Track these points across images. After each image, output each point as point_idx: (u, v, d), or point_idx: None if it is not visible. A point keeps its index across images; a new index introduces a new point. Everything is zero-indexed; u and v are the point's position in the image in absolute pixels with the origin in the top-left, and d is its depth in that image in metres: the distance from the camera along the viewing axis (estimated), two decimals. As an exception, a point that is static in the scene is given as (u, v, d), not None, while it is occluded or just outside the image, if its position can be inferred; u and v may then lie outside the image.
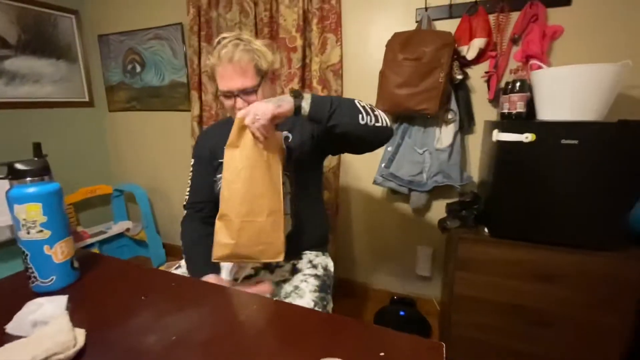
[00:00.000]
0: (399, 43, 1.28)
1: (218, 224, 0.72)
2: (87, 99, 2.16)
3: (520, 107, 1.12)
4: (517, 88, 1.11)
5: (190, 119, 1.86)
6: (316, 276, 0.87)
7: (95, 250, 2.12)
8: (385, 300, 1.66)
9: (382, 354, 0.44)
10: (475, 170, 1.44)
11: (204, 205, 0.95)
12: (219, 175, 0.91)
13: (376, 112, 0.77)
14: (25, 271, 0.59)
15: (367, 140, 0.79)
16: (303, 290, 0.81)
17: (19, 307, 0.53)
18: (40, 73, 1.89)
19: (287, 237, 0.77)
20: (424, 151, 1.41)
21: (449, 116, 1.34)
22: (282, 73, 1.54)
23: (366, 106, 0.76)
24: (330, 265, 0.97)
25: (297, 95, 0.71)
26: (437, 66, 1.25)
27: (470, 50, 1.29)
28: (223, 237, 0.71)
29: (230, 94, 0.81)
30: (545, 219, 1.05)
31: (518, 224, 1.09)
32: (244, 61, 0.78)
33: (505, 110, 1.15)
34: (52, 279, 0.60)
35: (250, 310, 0.55)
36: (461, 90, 1.34)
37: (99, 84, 2.21)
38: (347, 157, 1.61)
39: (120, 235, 2.30)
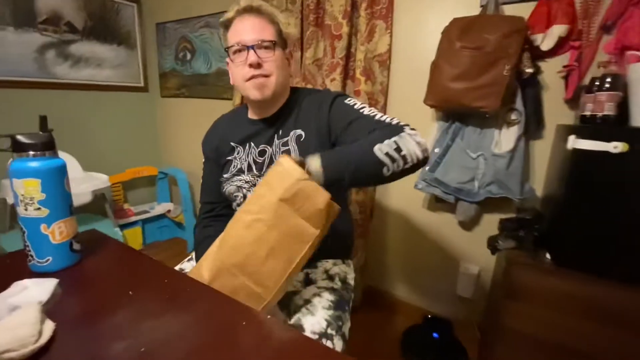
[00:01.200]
0: (458, 29, 1.11)
1: (213, 247, 0.62)
2: (142, 84, 2.27)
3: (608, 109, 0.89)
4: (608, 85, 0.89)
5: (232, 107, 1.86)
6: (332, 290, 0.76)
7: (138, 228, 2.23)
8: (417, 317, 1.49)
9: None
10: (539, 182, 1.21)
11: (214, 205, 0.90)
12: (225, 176, 0.85)
13: (404, 151, 0.60)
14: (24, 249, 0.57)
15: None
16: (315, 307, 0.70)
17: (5, 287, 0.51)
18: (102, 58, 2.01)
19: None
20: (477, 156, 1.22)
21: (513, 117, 1.14)
22: (324, 62, 1.45)
23: (390, 149, 0.60)
24: (351, 277, 0.86)
25: (300, 162, 0.57)
26: (502, 57, 1.06)
27: (546, 39, 1.07)
28: (204, 265, 0.61)
29: (243, 46, 0.71)
30: (627, 251, 0.83)
31: (590, 252, 0.88)
32: (264, 12, 0.71)
33: (588, 112, 0.93)
34: (49, 259, 0.57)
35: (238, 326, 0.46)
36: (530, 86, 1.13)
37: (154, 70, 2.31)
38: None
39: (162, 216, 2.40)
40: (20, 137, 0.53)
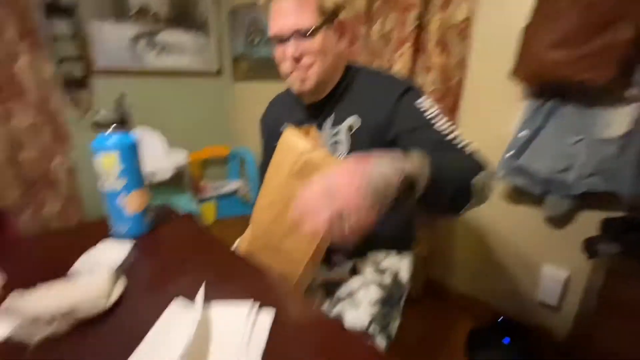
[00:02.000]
0: (562, -17, 0.91)
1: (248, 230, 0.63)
2: (216, 69, 2.41)
3: None
4: None
5: (296, 89, 1.86)
6: (380, 285, 0.70)
7: (213, 203, 2.43)
8: (487, 318, 1.35)
9: None
10: (664, 175, 0.96)
11: None
12: None
13: (486, 192, 0.57)
14: (107, 216, 0.64)
15: None
16: (359, 300, 0.65)
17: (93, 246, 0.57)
18: (183, 45, 2.18)
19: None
20: (577, 140, 1.02)
21: (631, 92, 0.91)
22: (392, 36, 1.34)
23: (487, 178, 0.55)
24: (405, 272, 0.77)
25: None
26: (622, 15, 0.84)
27: (694, -13, 0.81)
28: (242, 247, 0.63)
29: (281, 38, 0.64)
30: None
31: None
32: None
33: None
34: (126, 227, 0.63)
35: (281, 307, 0.45)
36: (663, 52, 0.88)
37: (227, 56, 2.43)
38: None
39: (233, 194, 2.57)
40: (100, 115, 0.58)
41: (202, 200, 2.35)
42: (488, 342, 1.26)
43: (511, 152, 1.11)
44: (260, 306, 0.43)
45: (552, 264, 1.21)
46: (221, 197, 2.51)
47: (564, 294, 1.20)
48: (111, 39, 1.89)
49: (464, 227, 1.44)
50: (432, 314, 1.46)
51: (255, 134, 2.54)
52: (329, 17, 0.65)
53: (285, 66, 0.68)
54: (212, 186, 2.47)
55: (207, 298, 0.43)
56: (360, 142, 0.68)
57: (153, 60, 2.06)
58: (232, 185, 2.54)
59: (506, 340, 1.23)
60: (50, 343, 0.39)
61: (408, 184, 0.44)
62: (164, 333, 0.39)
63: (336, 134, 0.71)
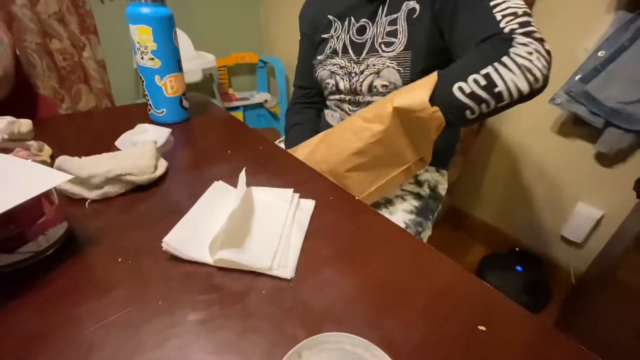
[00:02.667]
0: None
1: (315, 138, 0.62)
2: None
3: None
4: None
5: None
6: (418, 196, 0.70)
7: (240, 113, 2.41)
8: (503, 247, 1.38)
9: (482, 327, 0.28)
10: None
11: (308, 90, 0.85)
12: (319, 57, 0.75)
13: (499, 87, 0.46)
14: (144, 98, 0.62)
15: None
16: (396, 207, 0.66)
17: (133, 127, 0.57)
18: None
19: None
20: (666, 66, 0.87)
21: None
22: None
23: (476, 87, 0.46)
24: (442, 187, 0.76)
25: None
26: None
27: None
28: (299, 151, 0.61)
29: None
30: None
31: None
32: None
33: None
34: (163, 111, 0.62)
35: (328, 204, 0.44)
36: None
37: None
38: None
39: (260, 105, 2.52)
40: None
41: (229, 109, 2.33)
42: (499, 268, 1.30)
43: (580, 75, 0.97)
44: (301, 197, 0.43)
45: (587, 202, 1.16)
46: (248, 108, 2.47)
47: (592, 233, 1.18)
48: None
49: (500, 158, 1.37)
50: (447, 239, 1.50)
51: (286, 40, 2.37)
52: None
53: None
54: (240, 96, 2.42)
55: (248, 184, 0.43)
56: (421, 31, 0.60)
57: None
58: (259, 96, 2.47)
59: (519, 268, 1.27)
60: (102, 204, 0.41)
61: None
62: (209, 205, 0.39)
63: (393, 21, 0.63)
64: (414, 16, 0.60)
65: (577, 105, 1.00)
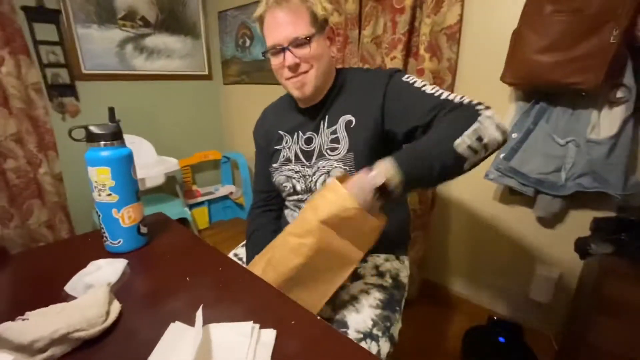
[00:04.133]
0: (550, -11, 0.92)
1: (261, 261, 0.63)
2: (206, 73, 2.39)
3: None
4: None
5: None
6: (382, 288, 0.71)
7: (205, 208, 2.41)
8: (481, 319, 1.37)
9: None
10: (650, 175, 0.99)
11: (267, 194, 0.91)
12: (274, 165, 0.83)
13: (485, 140, 0.55)
14: (100, 230, 0.62)
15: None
16: (362, 304, 0.66)
17: (85, 265, 0.56)
18: (172, 49, 2.15)
19: None
20: (567, 142, 1.04)
21: (619, 94, 0.93)
22: (384, 40, 1.34)
23: (472, 141, 0.54)
24: (404, 275, 0.79)
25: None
26: (608, 20, 0.86)
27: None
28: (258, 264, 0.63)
29: (278, 48, 0.68)
30: None
31: None
32: (294, 3, 0.65)
33: None
34: (120, 241, 0.62)
35: (287, 324, 0.44)
36: (647, 55, 0.91)
37: (216, 58, 2.40)
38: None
39: (225, 197, 2.55)
40: (92, 128, 0.57)
41: (194, 205, 2.33)
42: (483, 342, 1.28)
43: (503, 154, 1.12)
44: (261, 327, 0.43)
45: (544, 264, 1.23)
46: (213, 202, 2.49)
47: (556, 292, 1.23)
48: (98, 43, 1.85)
49: (457, 230, 1.46)
50: (427, 315, 1.47)
51: (247, 137, 2.52)
52: (321, 25, 0.69)
53: (284, 74, 0.71)
54: (205, 190, 2.45)
55: (206, 319, 0.42)
56: (359, 136, 0.71)
57: (141, 64, 2.03)
58: (224, 189, 2.52)
59: (501, 340, 1.25)
60: (47, 369, 0.37)
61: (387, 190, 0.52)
62: (166, 356, 0.38)
63: (334, 132, 0.74)
64: (352, 126, 0.72)
65: (508, 179, 1.13)
